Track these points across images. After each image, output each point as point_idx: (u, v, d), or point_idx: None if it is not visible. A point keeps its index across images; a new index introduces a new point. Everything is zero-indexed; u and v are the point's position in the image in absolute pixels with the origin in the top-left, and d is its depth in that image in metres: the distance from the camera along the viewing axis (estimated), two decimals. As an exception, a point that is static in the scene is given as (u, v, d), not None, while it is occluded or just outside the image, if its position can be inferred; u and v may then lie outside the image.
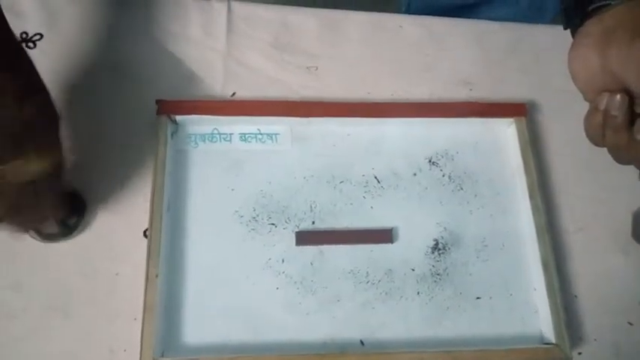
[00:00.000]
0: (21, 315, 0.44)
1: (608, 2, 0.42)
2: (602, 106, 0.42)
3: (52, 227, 0.46)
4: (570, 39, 0.48)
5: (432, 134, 0.52)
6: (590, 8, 0.43)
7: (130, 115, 0.51)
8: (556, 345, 0.45)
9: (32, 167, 0.33)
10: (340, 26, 0.57)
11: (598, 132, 0.43)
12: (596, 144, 0.45)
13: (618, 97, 0.41)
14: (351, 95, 0.53)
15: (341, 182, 0.50)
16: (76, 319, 0.44)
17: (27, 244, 0.46)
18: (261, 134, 0.51)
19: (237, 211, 0.48)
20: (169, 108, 0.49)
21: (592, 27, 0.42)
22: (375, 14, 0.58)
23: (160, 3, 0.55)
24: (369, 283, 0.47)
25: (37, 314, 0.44)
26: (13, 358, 0.43)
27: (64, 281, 0.45)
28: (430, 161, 0.52)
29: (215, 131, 0.50)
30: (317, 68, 0.55)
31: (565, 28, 0.47)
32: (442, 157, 0.52)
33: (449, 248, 0.48)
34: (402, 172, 0.51)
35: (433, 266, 0.48)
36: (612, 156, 0.44)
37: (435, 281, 0.47)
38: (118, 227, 0.47)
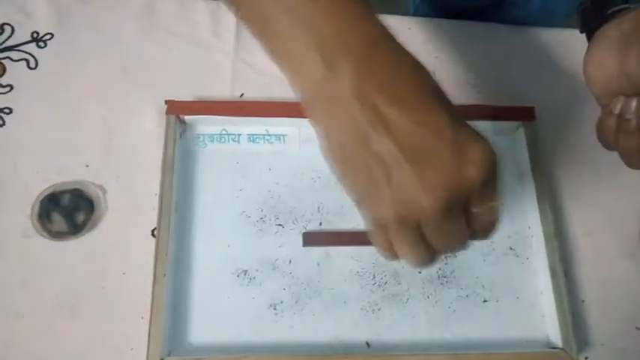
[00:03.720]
0: (29, 313, 0.44)
1: (627, 6, 0.42)
2: (616, 110, 0.42)
3: (61, 225, 0.46)
4: (580, 42, 0.47)
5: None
6: (609, 12, 0.43)
7: (138, 115, 0.51)
8: (563, 349, 0.45)
9: (499, 205, 0.32)
10: (349, 28, 0.57)
11: (611, 136, 0.43)
12: (609, 148, 0.45)
13: (634, 101, 0.41)
14: (359, 97, 0.53)
15: (348, 184, 0.50)
16: (83, 318, 0.44)
17: (35, 242, 0.46)
18: (269, 135, 0.51)
19: (244, 212, 0.48)
20: (178, 108, 0.49)
21: (610, 30, 0.42)
22: (382, 16, 0.57)
23: (169, 4, 0.55)
24: (376, 284, 0.47)
25: (44, 313, 0.44)
26: (21, 356, 0.43)
27: (72, 280, 0.45)
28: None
29: (223, 132, 0.51)
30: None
31: (581, 32, 0.47)
32: (450, 159, 0.52)
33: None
34: (409, 175, 0.51)
35: (440, 269, 0.48)
36: (624, 160, 0.44)
37: (442, 284, 0.47)
38: (126, 226, 0.47)
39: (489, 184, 0.30)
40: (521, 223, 0.50)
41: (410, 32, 0.57)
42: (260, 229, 0.48)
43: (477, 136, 0.30)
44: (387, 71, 0.30)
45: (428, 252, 0.32)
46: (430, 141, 0.29)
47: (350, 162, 0.31)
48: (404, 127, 0.29)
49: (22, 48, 0.52)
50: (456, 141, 0.29)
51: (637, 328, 0.48)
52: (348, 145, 0.30)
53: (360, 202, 0.32)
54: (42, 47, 0.53)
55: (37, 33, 0.53)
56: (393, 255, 0.33)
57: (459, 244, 0.33)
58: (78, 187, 0.48)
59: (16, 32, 0.53)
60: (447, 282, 0.47)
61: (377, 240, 0.33)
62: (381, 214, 0.31)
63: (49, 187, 0.48)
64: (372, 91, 0.29)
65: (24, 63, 0.52)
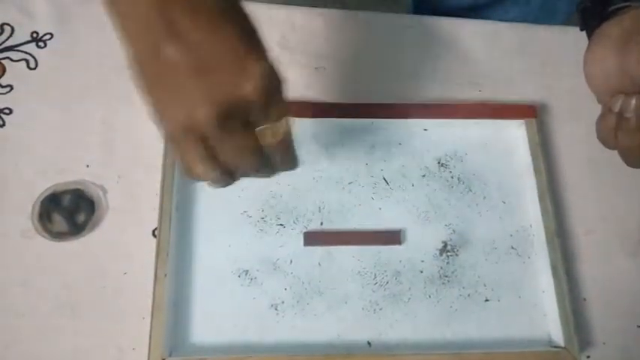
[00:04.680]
0: (30, 313, 0.44)
1: (627, 4, 0.42)
2: (616, 108, 0.42)
3: (62, 226, 0.46)
4: (581, 40, 0.47)
5: (441, 136, 0.52)
6: (610, 9, 0.42)
7: (139, 115, 0.51)
8: (564, 348, 0.45)
9: (285, 128, 0.34)
10: (348, 26, 0.57)
11: (610, 134, 0.43)
12: (608, 146, 0.45)
13: (634, 99, 0.40)
14: (359, 96, 0.53)
15: (349, 183, 0.50)
16: (84, 318, 0.44)
17: (36, 242, 0.46)
18: (269, 134, 0.51)
19: (245, 212, 0.48)
20: (178, 108, 0.49)
21: (611, 28, 0.42)
22: (383, 14, 0.58)
23: (169, 3, 0.55)
24: (377, 284, 0.47)
25: (45, 313, 0.44)
26: (22, 356, 0.43)
27: (73, 280, 0.45)
28: (439, 163, 0.51)
29: (224, 131, 0.50)
30: (325, 68, 0.54)
31: (582, 30, 0.47)
32: (451, 158, 0.52)
33: (457, 250, 0.48)
34: (411, 174, 0.51)
35: (441, 268, 0.48)
36: (623, 158, 0.44)
37: (444, 283, 0.47)
38: (127, 226, 0.47)
39: (270, 103, 0.31)
40: (523, 221, 0.50)
41: (410, 30, 0.57)
42: (261, 229, 0.48)
43: (262, 55, 0.31)
44: None
45: (219, 168, 0.34)
46: (216, 54, 0.30)
47: (146, 72, 0.32)
48: (195, 38, 0.30)
49: (21, 48, 0.52)
50: (239, 56, 0.30)
51: (639, 327, 0.47)
52: (145, 54, 0.31)
53: (155, 113, 0.33)
54: (42, 47, 0.52)
55: (37, 33, 0.53)
56: (189, 171, 0.34)
57: (247, 162, 0.34)
58: (78, 187, 0.48)
59: (15, 32, 0.53)
60: (448, 281, 0.47)
61: (174, 154, 0.35)
62: (168, 125, 0.32)
63: (49, 188, 0.47)
64: (169, 2, 0.30)
65: (24, 63, 0.52)
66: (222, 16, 0.31)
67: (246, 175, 0.36)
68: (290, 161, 0.37)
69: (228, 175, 0.35)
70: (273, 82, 0.31)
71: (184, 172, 0.35)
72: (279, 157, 0.36)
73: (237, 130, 0.32)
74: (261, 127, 0.33)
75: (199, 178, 0.34)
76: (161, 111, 0.32)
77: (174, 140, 0.33)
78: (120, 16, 0.31)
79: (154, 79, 0.31)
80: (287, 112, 0.34)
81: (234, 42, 0.30)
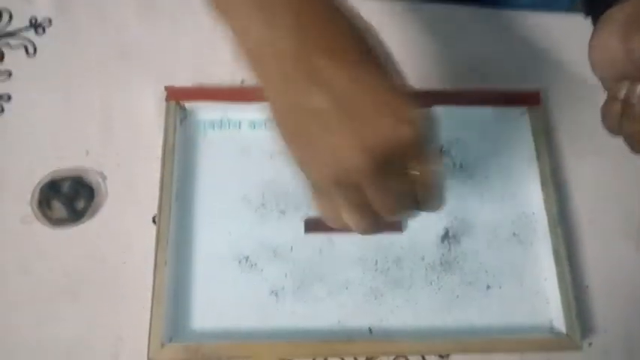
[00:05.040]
0: (29, 301, 0.44)
1: None
2: (621, 95, 0.41)
3: (61, 212, 0.46)
4: (586, 27, 0.47)
5: (443, 122, 0.51)
6: None
7: (139, 101, 0.50)
8: (567, 335, 0.44)
9: (436, 168, 0.32)
10: (351, 13, 0.56)
11: (615, 121, 0.42)
12: (613, 133, 0.44)
13: (639, 86, 0.40)
14: (361, 83, 0.53)
15: (350, 170, 0.50)
16: (84, 305, 0.44)
17: (36, 229, 0.46)
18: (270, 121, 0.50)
19: (245, 198, 0.48)
20: (178, 94, 0.49)
21: (615, 14, 0.42)
22: (386, 1, 0.57)
23: (169, -11, 0.55)
24: (378, 271, 0.47)
25: (45, 300, 0.44)
26: (22, 344, 0.43)
27: (73, 267, 0.45)
28: (441, 149, 0.51)
29: (224, 118, 0.50)
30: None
31: (586, 16, 0.46)
32: (454, 145, 0.51)
33: (459, 237, 0.48)
34: (412, 160, 0.50)
35: (443, 255, 0.47)
36: (628, 145, 0.44)
37: (445, 270, 0.47)
38: (127, 213, 0.47)
39: (424, 146, 0.30)
40: (525, 208, 0.49)
41: (411, 17, 0.56)
42: (261, 216, 0.48)
43: (410, 99, 0.30)
44: (326, 26, 0.29)
45: (371, 216, 0.32)
46: (366, 98, 0.29)
47: (289, 122, 0.31)
48: (341, 82, 0.29)
49: (20, 34, 0.52)
50: (391, 100, 0.29)
51: (641, 314, 0.47)
52: (288, 105, 0.30)
53: (300, 165, 0.32)
54: (41, 33, 0.52)
55: (36, 19, 0.52)
56: (337, 220, 0.33)
57: (402, 207, 0.33)
58: (78, 173, 0.48)
59: (14, 18, 0.52)
60: (449, 268, 0.47)
61: (319, 205, 0.33)
62: (319, 176, 0.31)
63: (48, 174, 0.47)
64: (311, 46, 0.29)
65: (22, 49, 0.51)
66: (365, 57, 0.30)
67: (394, 217, 0.34)
68: (437, 201, 0.34)
69: (378, 221, 0.33)
70: (425, 124, 0.30)
71: (331, 221, 0.34)
72: (426, 198, 0.34)
73: (392, 176, 0.30)
74: (413, 171, 0.31)
75: (349, 228, 0.33)
76: (308, 163, 0.31)
77: (323, 191, 0.32)
78: (261, 71, 0.31)
79: (298, 130, 0.30)
80: (438, 153, 0.32)
81: (382, 85, 0.29)
